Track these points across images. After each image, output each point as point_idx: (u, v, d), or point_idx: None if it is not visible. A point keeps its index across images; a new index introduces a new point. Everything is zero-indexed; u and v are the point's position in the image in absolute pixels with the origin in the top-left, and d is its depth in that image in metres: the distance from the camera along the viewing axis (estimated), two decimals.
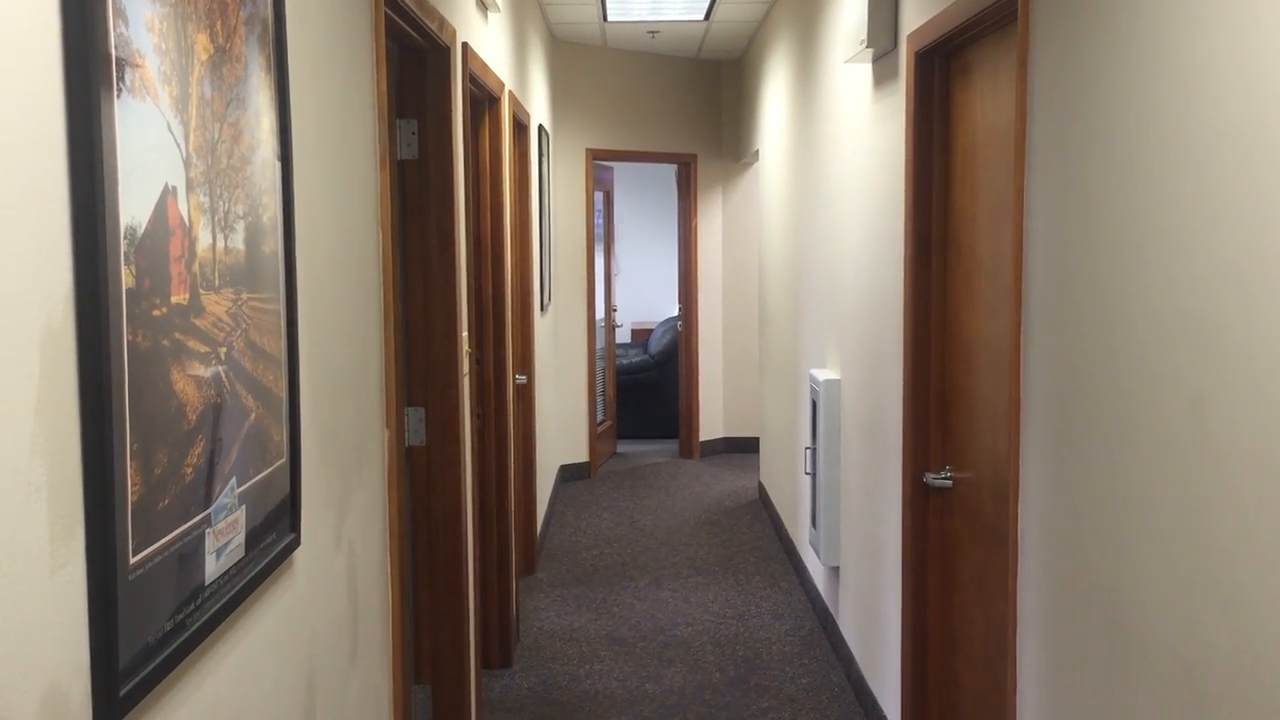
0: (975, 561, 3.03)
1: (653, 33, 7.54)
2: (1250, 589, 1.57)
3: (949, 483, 3.22)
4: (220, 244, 1.44)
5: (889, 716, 3.77)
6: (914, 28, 3.26)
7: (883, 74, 3.72)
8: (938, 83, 3.24)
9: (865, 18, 3.59)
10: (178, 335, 1.29)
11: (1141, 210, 1.89)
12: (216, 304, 1.42)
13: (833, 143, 4.70)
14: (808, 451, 5.05)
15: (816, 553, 4.85)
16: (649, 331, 11.85)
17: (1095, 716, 2.10)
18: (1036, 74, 2.37)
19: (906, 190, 3.34)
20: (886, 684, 3.82)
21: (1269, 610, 1.53)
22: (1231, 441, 1.61)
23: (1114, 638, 2.01)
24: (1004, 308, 2.74)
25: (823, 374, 4.74)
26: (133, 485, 1.17)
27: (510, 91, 4.84)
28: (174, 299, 1.28)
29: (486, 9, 4.20)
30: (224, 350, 1.45)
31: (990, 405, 2.88)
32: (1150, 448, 1.86)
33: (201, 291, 1.37)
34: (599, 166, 8.63)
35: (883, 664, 3.88)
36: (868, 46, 3.60)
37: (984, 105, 2.92)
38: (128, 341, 1.16)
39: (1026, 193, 2.43)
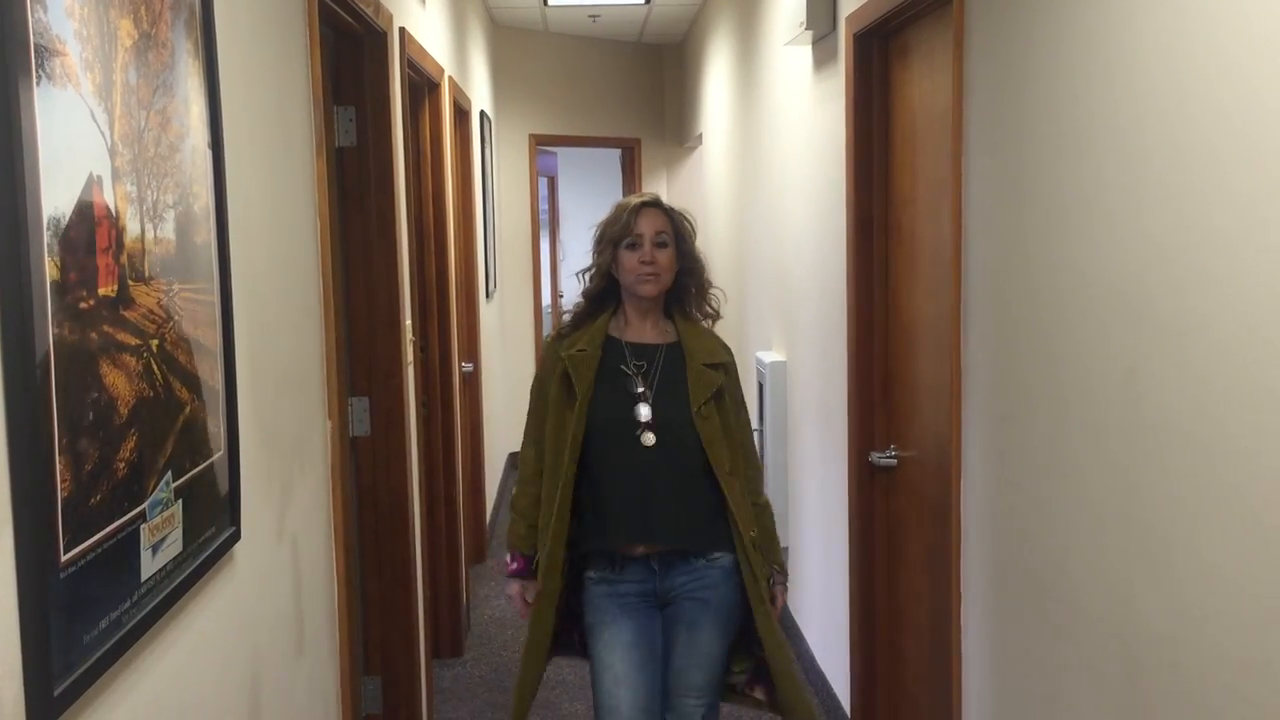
0: (920, 539, 3.07)
1: (594, 16, 7.51)
2: (1181, 562, 1.60)
3: (894, 461, 3.25)
4: (150, 234, 1.41)
5: (838, 692, 3.81)
6: (852, 10, 3.28)
7: (822, 56, 3.73)
8: (876, 64, 3.26)
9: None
10: (106, 328, 1.27)
11: (1073, 191, 1.91)
12: (147, 296, 1.40)
13: (775, 126, 4.71)
14: (755, 433, 5.08)
15: None
16: None
17: (1037, 688, 2.14)
18: (972, 55, 2.39)
19: (848, 172, 3.35)
20: (836, 660, 3.85)
21: (1200, 582, 1.56)
22: (1163, 418, 1.64)
23: (1053, 611, 2.04)
24: (944, 288, 2.77)
25: (769, 356, 4.77)
26: (62, 481, 1.15)
27: (450, 77, 4.79)
28: (101, 291, 1.26)
29: None
30: (156, 343, 1.42)
31: (932, 384, 2.91)
32: (1084, 424, 1.89)
33: (131, 283, 1.34)
34: (543, 152, 8.59)
35: (832, 640, 3.92)
36: (807, 28, 3.61)
37: (922, 87, 2.94)
38: (53, 335, 1.14)
39: (964, 174, 2.45)
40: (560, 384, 2.60)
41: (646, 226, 2.60)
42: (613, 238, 2.62)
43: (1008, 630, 2.28)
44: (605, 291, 2.67)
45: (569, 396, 2.58)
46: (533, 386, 2.74)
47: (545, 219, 8.91)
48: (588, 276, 2.71)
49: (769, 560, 2.67)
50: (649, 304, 2.65)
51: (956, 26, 2.44)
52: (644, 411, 2.55)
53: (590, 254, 2.71)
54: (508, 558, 2.76)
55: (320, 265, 2.44)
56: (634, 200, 2.67)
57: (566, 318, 2.74)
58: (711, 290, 2.73)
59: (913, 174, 3.05)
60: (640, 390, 2.58)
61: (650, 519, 2.56)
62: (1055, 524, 2.02)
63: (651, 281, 2.60)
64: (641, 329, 2.66)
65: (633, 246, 2.60)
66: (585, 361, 2.58)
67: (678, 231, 2.64)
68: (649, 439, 2.54)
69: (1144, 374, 1.69)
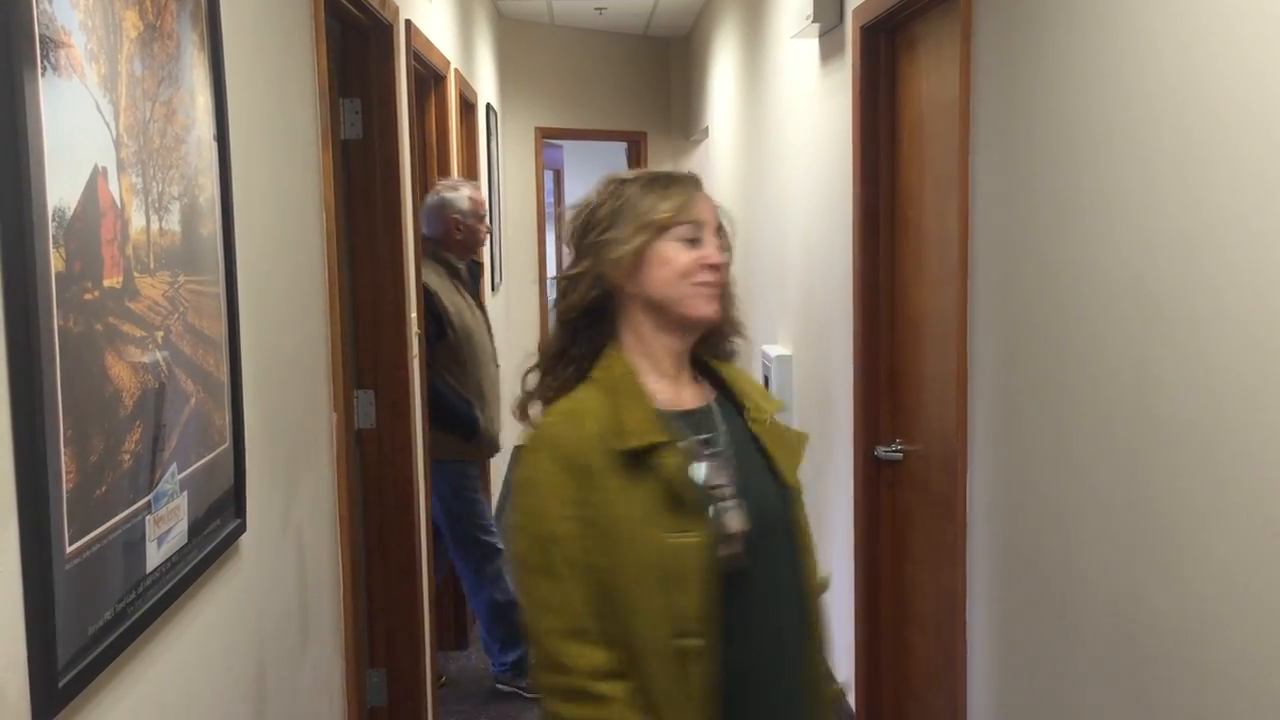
0: (926, 532, 3.06)
1: (600, 9, 7.49)
2: (1189, 554, 1.60)
3: (899, 455, 3.24)
4: (155, 226, 1.41)
5: (844, 687, 3.81)
6: (859, 2, 3.26)
7: (829, 49, 3.72)
8: (883, 58, 3.25)
9: None
10: (111, 319, 1.27)
11: (1082, 183, 1.90)
12: (152, 287, 1.39)
13: (781, 119, 4.70)
14: None
15: None
16: None
17: (1044, 683, 2.13)
18: (979, 48, 2.38)
19: (854, 166, 3.34)
20: (840, 654, 3.85)
21: (1206, 574, 1.55)
22: (1173, 410, 1.63)
23: (1060, 606, 2.04)
24: (951, 281, 2.76)
25: (774, 350, 4.76)
26: (67, 473, 1.15)
27: (456, 70, 4.79)
28: (107, 282, 1.26)
29: None
30: (161, 334, 1.42)
31: (939, 378, 2.90)
32: (1093, 417, 1.88)
33: (136, 274, 1.34)
34: (548, 145, 8.59)
35: (837, 635, 3.91)
36: (814, 21, 3.60)
37: (929, 80, 2.93)
38: (58, 326, 1.13)
39: (971, 166, 2.44)
40: (639, 502, 1.46)
41: (709, 213, 1.58)
42: (645, 221, 1.52)
43: (1014, 625, 2.28)
44: (593, 319, 1.59)
45: (669, 517, 1.46)
46: (531, 533, 1.50)
47: (551, 212, 8.91)
48: (566, 289, 1.60)
49: None
50: (683, 341, 1.59)
51: (964, 19, 2.43)
52: (735, 519, 1.50)
53: (570, 249, 1.61)
54: None
55: (326, 258, 2.44)
56: (673, 172, 1.62)
57: (531, 376, 1.65)
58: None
59: (919, 167, 3.04)
60: (719, 485, 1.52)
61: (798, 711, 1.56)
62: (1062, 518, 2.02)
63: (718, 299, 1.57)
64: (677, 384, 1.60)
65: (693, 242, 1.54)
66: (680, 454, 1.49)
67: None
68: (744, 562, 1.51)
69: (1154, 366, 1.68)
